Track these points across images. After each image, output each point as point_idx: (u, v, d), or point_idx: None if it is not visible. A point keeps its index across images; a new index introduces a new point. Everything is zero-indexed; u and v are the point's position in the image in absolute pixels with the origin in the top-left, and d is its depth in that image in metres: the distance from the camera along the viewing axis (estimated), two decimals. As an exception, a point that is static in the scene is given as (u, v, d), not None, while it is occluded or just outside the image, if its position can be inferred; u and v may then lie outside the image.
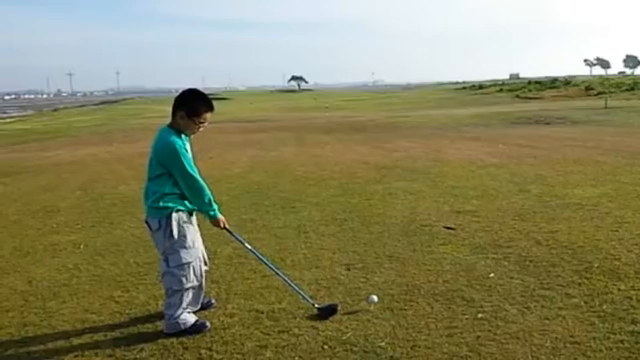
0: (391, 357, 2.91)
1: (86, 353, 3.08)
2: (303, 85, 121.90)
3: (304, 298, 3.55)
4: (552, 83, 51.38)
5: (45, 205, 7.29)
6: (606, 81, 49.35)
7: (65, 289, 4.09)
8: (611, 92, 37.79)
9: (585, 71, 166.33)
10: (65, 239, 5.53)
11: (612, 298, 3.53)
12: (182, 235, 3.21)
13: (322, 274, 4.18)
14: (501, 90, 52.50)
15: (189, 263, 3.24)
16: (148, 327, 3.39)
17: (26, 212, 6.94)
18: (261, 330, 3.27)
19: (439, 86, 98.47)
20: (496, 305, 3.48)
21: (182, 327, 3.25)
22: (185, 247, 3.23)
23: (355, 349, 3.00)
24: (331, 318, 3.37)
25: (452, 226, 5.39)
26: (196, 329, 3.27)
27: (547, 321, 3.23)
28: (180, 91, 3.33)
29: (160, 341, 3.18)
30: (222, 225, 3.37)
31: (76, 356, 3.06)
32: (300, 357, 2.95)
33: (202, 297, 3.49)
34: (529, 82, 57.37)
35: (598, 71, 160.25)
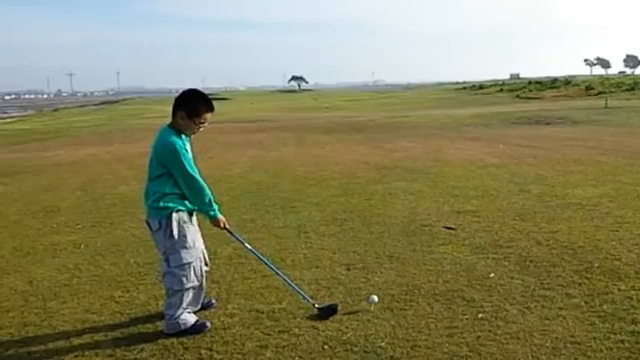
0: (391, 357, 2.91)
1: (86, 353, 3.08)
2: (303, 85, 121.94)
3: (304, 298, 3.55)
4: (552, 83, 51.36)
5: (45, 205, 7.29)
6: (606, 81, 49.30)
7: (65, 289, 4.09)
8: (611, 92, 37.76)
9: (585, 71, 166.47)
10: (65, 239, 5.53)
11: (612, 298, 3.53)
12: (182, 235, 3.21)
13: (322, 274, 4.18)
14: (501, 90, 52.48)
15: (190, 263, 3.25)
16: (148, 327, 3.39)
17: (26, 212, 6.94)
18: (261, 330, 3.27)
19: (439, 86, 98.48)
20: (496, 305, 3.48)
21: (182, 327, 3.25)
22: (186, 247, 3.23)
23: (355, 349, 3.00)
24: (331, 318, 3.37)
25: (452, 226, 5.39)
26: (196, 329, 3.27)
27: (547, 321, 3.23)
28: (180, 91, 3.33)
29: (160, 341, 3.18)
30: (222, 225, 3.37)
31: (76, 356, 3.06)
32: (300, 357, 2.95)
33: (202, 297, 3.49)
34: (529, 82, 57.33)
35: (598, 71, 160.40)
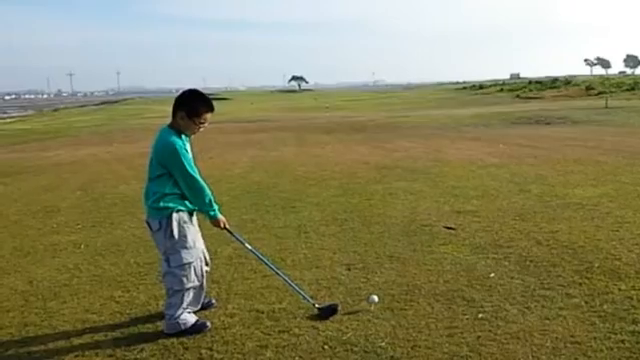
0: (391, 357, 2.91)
1: (86, 353, 3.08)
2: (303, 85, 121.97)
3: (304, 298, 3.55)
4: (552, 83, 51.35)
5: (45, 205, 7.29)
6: (607, 81, 49.30)
7: (66, 289, 4.09)
8: (612, 92, 37.75)
9: (585, 71, 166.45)
10: (65, 239, 5.53)
11: (613, 298, 3.53)
12: (183, 235, 3.21)
13: (322, 274, 4.18)
14: (501, 90, 52.48)
15: (190, 263, 3.25)
16: (148, 327, 3.39)
17: (26, 212, 6.94)
18: (261, 330, 3.27)
19: (439, 86, 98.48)
20: (497, 305, 3.48)
21: (182, 327, 3.25)
22: (186, 247, 3.23)
23: (355, 349, 3.00)
24: (331, 318, 3.37)
25: (452, 226, 5.39)
26: (196, 329, 3.27)
27: (548, 321, 3.23)
28: (180, 91, 3.34)
29: (160, 341, 3.18)
30: (222, 225, 3.37)
31: (76, 356, 3.06)
32: (300, 357, 2.95)
33: (203, 297, 3.49)
34: (529, 82, 57.34)
35: (598, 71, 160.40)
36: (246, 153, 12.37)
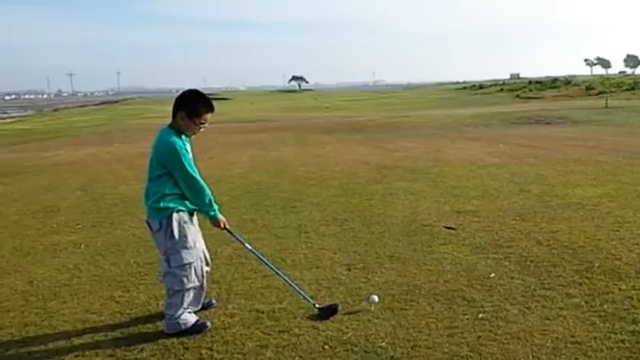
0: (392, 357, 2.91)
1: (87, 353, 3.08)
2: (303, 85, 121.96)
3: (305, 298, 3.55)
4: (552, 83, 51.33)
5: (45, 205, 7.29)
6: (607, 81, 49.28)
7: (66, 289, 4.09)
8: (612, 92, 37.74)
9: (586, 71, 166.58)
10: (65, 239, 5.53)
11: (613, 298, 3.53)
12: (183, 235, 3.21)
13: (323, 274, 4.18)
14: (501, 90, 52.45)
15: (190, 263, 3.25)
16: (149, 327, 3.39)
17: (26, 212, 6.94)
18: (262, 330, 3.27)
19: (439, 86, 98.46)
20: (497, 305, 3.48)
21: (183, 327, 3.25)
22: (186, 247, 3.23)
23: (356, 349, 3.00)
24: (332, 318, 3.37)
25: (453, 226, 5.38)
26: (197, 329, 3.27)
27: (548, 321, 3.23)
28: (180, 91, 3.34)
29: (161, 341, 3.18)
30: (222, 225, 3.37)
31: (77, 356, 3.06)
32: (301, 357, 2.95)
33: (203, 297, 3.49)
34: (529, 82, 57.30)
35: (599, 71, 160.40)
36: (246, 153, 12.37)
